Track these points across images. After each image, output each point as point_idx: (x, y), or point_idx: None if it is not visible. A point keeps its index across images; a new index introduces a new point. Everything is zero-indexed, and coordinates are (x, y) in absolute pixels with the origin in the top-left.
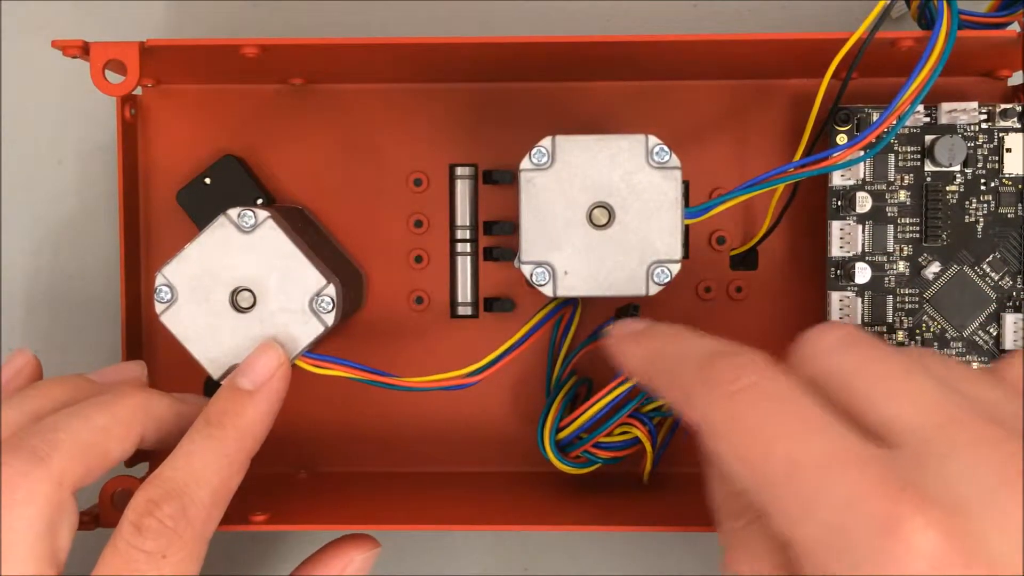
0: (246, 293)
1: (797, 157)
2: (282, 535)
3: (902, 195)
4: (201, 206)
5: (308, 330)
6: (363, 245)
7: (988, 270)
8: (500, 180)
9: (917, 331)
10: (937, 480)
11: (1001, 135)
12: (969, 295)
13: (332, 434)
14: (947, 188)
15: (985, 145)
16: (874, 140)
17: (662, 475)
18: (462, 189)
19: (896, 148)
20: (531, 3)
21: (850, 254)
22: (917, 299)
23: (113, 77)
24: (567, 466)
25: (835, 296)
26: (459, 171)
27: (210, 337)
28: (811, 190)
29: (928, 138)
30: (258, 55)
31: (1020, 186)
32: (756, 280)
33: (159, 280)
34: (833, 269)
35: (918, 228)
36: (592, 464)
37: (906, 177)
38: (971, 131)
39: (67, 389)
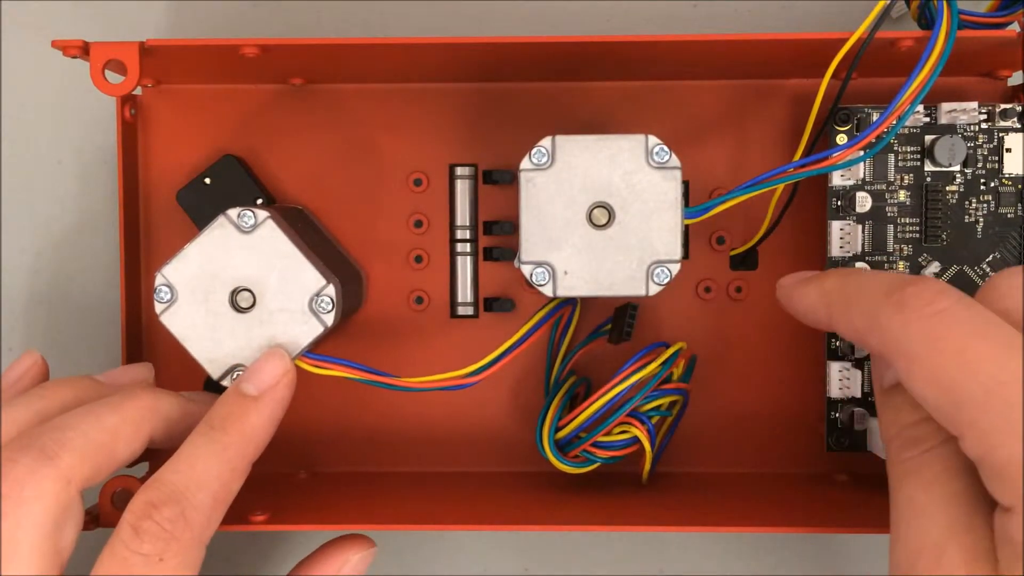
0: (246, 293)
1: (797, 157)
2: (282, 535)
3: (902, 195)
4: (201, 206)
5: (308, 330)
6: (363, 245)
7: (988, 270)
8: (500, 180)
9: None
10: None
11: (1001, 135)
12: (969, 295)
13: (332, 434)
14: (947, 188)
15: (985, 145)
16: (874, 140)
17: (661, 475)
18: (462, 189)
19: (896, 148)
20: (531, 3)
21: (850, 254)
22: None
23: (113, 77)
24: (566, 465)
25: None
26: (459, 171)
27: (210, 337)
28: (811, 190)
29: (928, 138)
30: (258, 55)
31: (1020, 186)
32: (756, 280)
33: (159, 280)
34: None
35: (918, 228)
36: (591, 463)
37: (906, 177)
38: (971, 131)
39: (75, 390)
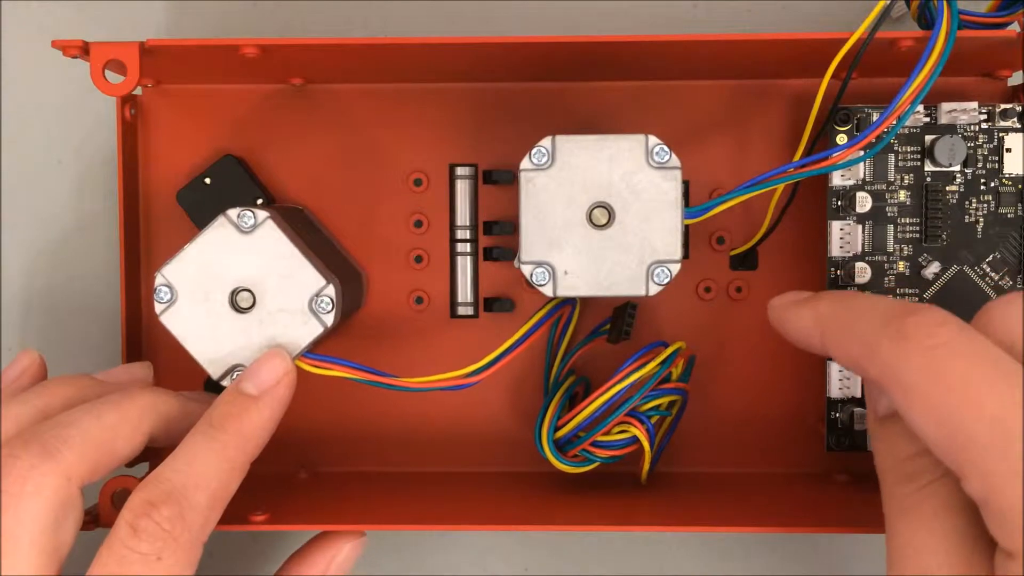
0: (245, 293)
1: (797, 157)
2: (282, 535)
3: (902, 195)
4: (201, 206)
5: (308, 330)
6: (363, 245)
7: (988, 270)
8: (500, 180)
9: None
10: None
11: (1001, 135)
12: (969, 295)
13: (332, 434)
14: (947, 188)
15: (985, 145)
16: (874, 140)
17: (661, 475)
18: (462, 189)
19: (896, 148)
20: (531, 3)
21: (850, 254)
22: (917, 299)
23: (113, 77)
24: (565, 465)
25: None
26: (459, 171)
27: (210, 337)
28: (811, 190)
29: (928, 138)
30: (258, 55)
31: (1020, 186)
32: (756, 280)
33: (159, 280)
34: (833, 269)
35: (918, 228)
36: (590, 463)
37: (906, 177)
38: (971, 131)
39: (75, 388)
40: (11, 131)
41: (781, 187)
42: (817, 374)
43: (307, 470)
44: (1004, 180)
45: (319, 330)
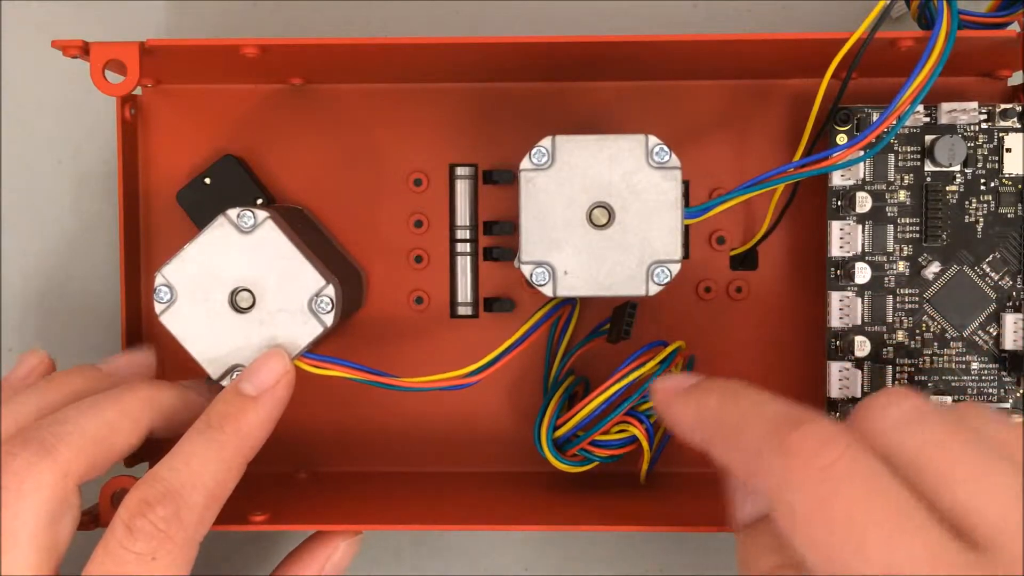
0: (245, 293)
1: (797, 157)
2: (282, 535)
3: (902, 195)
4: (201, 206)
5: (307, 330)
6: (363, 245)
7: (988, 270)
8: (500, 180)
9: (917, 331)
10: None
11: (1001, 135)
12: (969, 295)
13: (332, 434)
14: (947, 188)
15: (985, 145)
16: (874, 140)
17: (661, 475)
18: (462, 189)
19: (896, 148)
20: (531, 3)
21: (850, 254)
22: (917, 299)
23: (113, 77)
24: (564, 464)
25: (835, 296)
26: (459, 171)
27: (209, 337)
28: (811, 190)
29: (928, 138)
30: (258, 55)
31: (1020, 186)
32: (756, 280)
33: (158, 280)
34: (833, 269)
35: (918, 228)
36: (589, 462)
37: (906, 177)
38: (971, 131)
39: (78, 380)
40: (11, 131)
41: (781, 187)
42: (817, 374)
43: (307, 470)
44: (1004, 180)
45: (319, 330)
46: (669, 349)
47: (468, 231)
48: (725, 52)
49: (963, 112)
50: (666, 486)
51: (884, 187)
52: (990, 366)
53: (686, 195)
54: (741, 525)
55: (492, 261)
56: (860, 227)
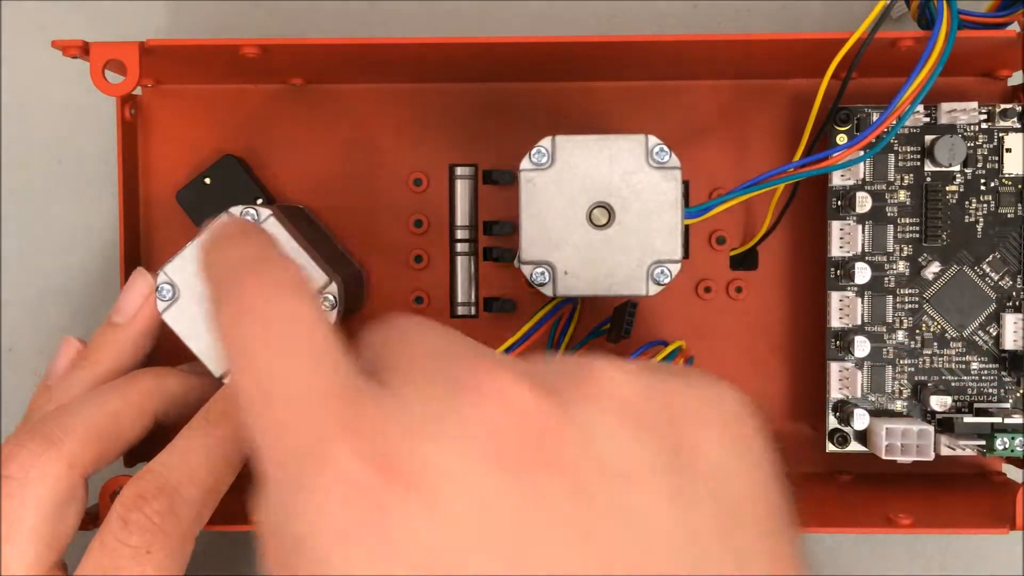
0: None
1: (797, 157)
2: None
3: (902, 195)
4: (201, 206)
5: None
6: (363, 245)
7: (988, 270)
8: (500, 180)
9: (917, 331)
10: None
11: (1001, 135)
12: (969, 295)
13: None
14: (947, 188)
15: (985, 145)
16: (874, 140)
17: None
18: (462, 189)
19: (896, 148)
20: (531, 3)
21: (850, 254)
22: (917, 299)
23: (113, 77)
24: None
25: (835, 296)
26: (459, 171)
27: (212, 335)
28: (811, 190)
29: (928, 138)
30: (258, 55)
31: (1020, 186)
32: (756, 280)
33: (161, 278)
34: (833, 269)
35: (918, 228)
36: None
37: (906, 177)
38: (971, 131)
39: (107, 351)
40: (11, 131)
41: (781, 187)
42: (817, 374)
43: None
44: (1004, 180)
45: None
46: (669, 349)
47: (468, 231)
48: (725, 52)
49: (963, 112)
50: None
51: (884, 187)
52: (990, 366)
53: (686, 195)
54: None
55: (492, 261)
56: (860, 227)
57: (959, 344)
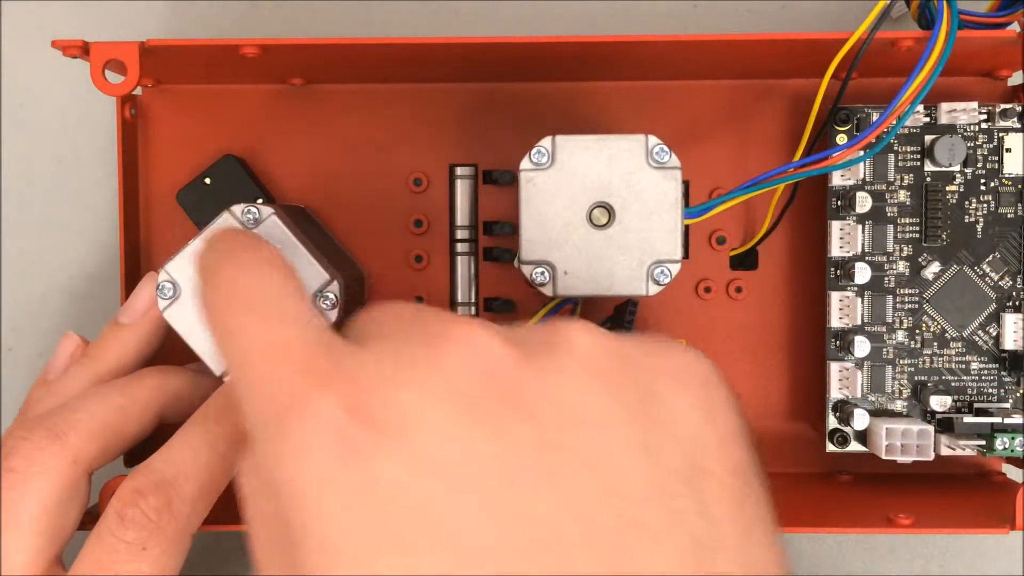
0: None
1: (797, 157)
2: None
3: (902, 195)
4: (201, 206)
5: None
6: (363, 245)
7: (988, 270)
8: (500, 180)
9: (917, 331)
10: None
11: (1001, 135)
12: (969, 295)
13: None
14: (947, 188)
15: (985, 145)
16: (874, 140)
17: None
18: (462, 189)
19: (896, 148)
20: (531, 3)
21: (850, 254)
22: (917, 299)
23: (113, 77)
24: None
25: (835, 296)
26: (459, 171)
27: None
28: (811, 190)
29: (928, 138)
30: (258, 55)
31: (1020, 186)
32: (756, 280)
33: (162, 276)
34: (833, 269)
35: (918, 228)
36: None
37: (906, 177)
38: (971, 131)
39: (112, 347)
40: (11, 131)
41: (781, 187)
42: (817, 374)
43: None
44: (1004, 180)
45: None
46: None
47: (468, 231)
48: (725, 52)
49: (963, 112)
50: None
51: (884, 187)
52: (990, 366)
53: (686, 195)
54: None
55: (492, 261)
56: (860, 227)
57: (959, 344)
